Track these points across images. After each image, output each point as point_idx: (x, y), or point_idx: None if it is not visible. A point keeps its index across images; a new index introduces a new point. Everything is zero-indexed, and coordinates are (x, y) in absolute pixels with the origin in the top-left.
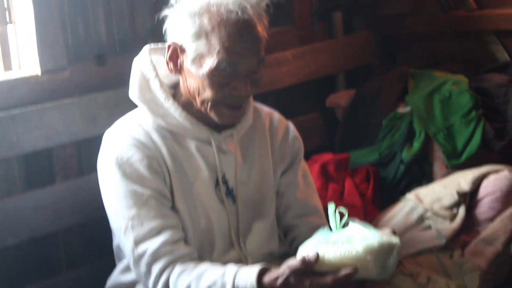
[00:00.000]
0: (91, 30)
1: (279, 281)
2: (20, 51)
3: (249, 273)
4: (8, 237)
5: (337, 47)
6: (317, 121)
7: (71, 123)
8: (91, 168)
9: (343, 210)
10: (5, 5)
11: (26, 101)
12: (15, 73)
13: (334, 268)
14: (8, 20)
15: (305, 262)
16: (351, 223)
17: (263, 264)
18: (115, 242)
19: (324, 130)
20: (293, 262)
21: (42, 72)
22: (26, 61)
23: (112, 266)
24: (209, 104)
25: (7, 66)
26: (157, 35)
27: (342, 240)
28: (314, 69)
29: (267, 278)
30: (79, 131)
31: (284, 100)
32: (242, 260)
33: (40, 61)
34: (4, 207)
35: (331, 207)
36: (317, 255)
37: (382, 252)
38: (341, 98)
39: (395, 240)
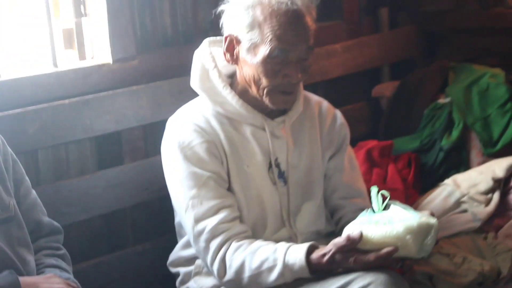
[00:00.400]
0: (157, 23)
1: (326, 258)
2: (93, 42)
3: (299, 250)
4: (81, 212)
5: (383, 41)
6: (363, 110)
7: (139, 108)
8: (156, 150)
9: (385, 193)
10: None
11: (99, 88)
12: (88, 62)
13: (377, 246)
14: (83, 13)
15: (349, 239)
16: (392, 205)
17: (312, 242)
18: (177, 219)
19: (370, 119)
20: (338, 240)
21: (113, 61)
22: (98, 51)
23: (173, 241)
24: (265, 90)
25: (82, 56)
26: (217, 28)
27: (384, 220)
28: (361, 61)
29: (315, 255)
30: (146, 115)
31: (333, 90)
32: (292, 237)
33: (112, 51)
34: (77, 186)
35: (374, 190)
36: (361, 233)
37: (421, 232)
38: (386, 89)
39: (433, 221)
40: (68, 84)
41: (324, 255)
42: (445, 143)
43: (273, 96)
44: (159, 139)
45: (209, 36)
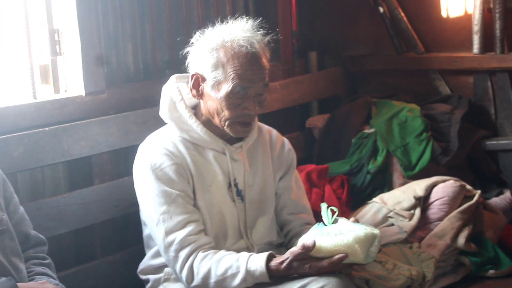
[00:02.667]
0: (121, 61)
1: (284, 264)
2: (66, 77)
3: (259, 258)
4: (60, 227)
5: (313, 80)
6: (299, 138)
7: (109, 135)
8: (124, 172)
9: (334, 208)
10: (56, 39)
11: (73, 117)
12: (63, 94)
13: (329, 254)
14: (58, 52)
15: (304, 247)
16: (340, 219)
17: (270, 252)
18: (146, 232)
19: (304, 146)
20: (294, 249)
21: (86, 94)
22: (71, 85)
23: (141, 252)
24: (227, 122)
25: (56, 89)
26: (173, 67)
27: (335, 231)
28: (296, 96)
29: (274, 263)
30: (115, 142)
31: (273, 121)
32: (249, 248)
33: (85, 85)
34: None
35: (324, 206)
36: (314, 242)
37: (367, 241)
38: (317, 121)
39: (376, 231)
40: (46, 113)
41: (282, 262)
42: (371, 167)
43: (233, 126)
44: (126, 162)
45: (166, 73)
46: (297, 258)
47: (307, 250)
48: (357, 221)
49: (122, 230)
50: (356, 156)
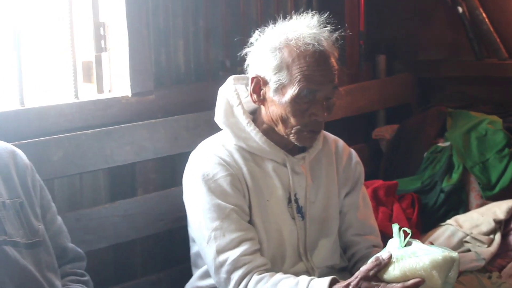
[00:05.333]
0: (171, 60)
1: (352, 284)
2: (111, 76)
3: (321, 283)
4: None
5: (381, 86)
6: (364, 151)
7: (157, 141)
8: (171, 182)
9: (407, 230)
10: (101, 33)
11: (117, 120)
12: (108, 94)
13: (402, 279)
14: (103, 47)
15: (378, 259)
16: (414, 242)
17: (334, 276)
18: (194, 249)
19: (370, 160)
20: (365, 266)
21: (132, 95)
22: (116, 85)
23: (187, 272)
24: (293, 130)
25: (100, 89)
26: (228, 68)
27: (408, 254)
28: (362, 104)
29: (338, 286)
30: (163, 148)
31: (336, 131)
32: (309, 271)
33: (131, 85)
34: (97, 215)
35: (395, 227)
36: (390, 254)
37: (445, 265)
38: (385, 132)
39: (455, 254)
40: (88, 115)
41: (348, 285)
42: (446, 185)
43: (300, 134)
44: (174, 171)
45: (220, 75)
46: (368, 275)
47: (381, 265)
48: (432, 244)
49: (167, 247)
50: (428, 172)
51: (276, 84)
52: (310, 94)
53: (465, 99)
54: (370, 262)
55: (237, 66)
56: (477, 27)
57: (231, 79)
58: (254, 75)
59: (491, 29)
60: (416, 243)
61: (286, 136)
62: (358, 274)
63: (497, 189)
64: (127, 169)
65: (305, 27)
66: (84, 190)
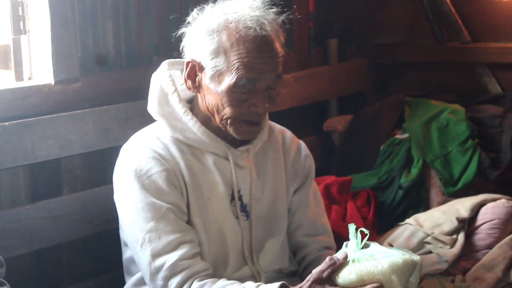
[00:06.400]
0: (99, 44)
1: None
2: (32, 62)
3: None
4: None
5: (333, 73)
6: (314, 144)
7: (84, 134)
8: (101, 180)
9: (365, 230)
10: (20, 13)
11: (39, 111)
12: (27, 82)
13: (359, 285)
14: (22, 30)
15: (332, 259)
16: (372, 244)
17: (283, 282)
18: (126, 255)
19: (321, 154)
20: (318, 267)
21: (55, 82)
22: (37, 72)
23: (119, 280)
24: (229, 121)
25: (18, 77)
26: (162, 52)
27: (365, 257)
28: (312, 93)
29: None
30: (91, 142)
31: (283, 122)
32: (255, 276)
33: (54, 71)
34: (16, 217)
35: (352, 227)
36: (346, 254)
37: (406, 269)
38: (338, 123)
39: (416, 258)
40: (5, 105)
41: None
42: (404, 180)
43: (237, 126)
44: (103, 168)
45: (153, 60)
46: (321, 277)
47: (335, 265)
48: (391, 246)
49: (96, 252)
50: (385, 167)
51: (213, 70)
52: (249, 84)
53: (425, 87)
54: (324, 263)
55: (173, 50)
56: (437, 7)
57: (165, 64)
58: (189, 59)
59: (452, 10)
60: (374, 245)
61: (223, 128)
62: (310, 277)
63: (460, 184)
64: (50, 166)
65: (247, 9)
66: (2, 190)
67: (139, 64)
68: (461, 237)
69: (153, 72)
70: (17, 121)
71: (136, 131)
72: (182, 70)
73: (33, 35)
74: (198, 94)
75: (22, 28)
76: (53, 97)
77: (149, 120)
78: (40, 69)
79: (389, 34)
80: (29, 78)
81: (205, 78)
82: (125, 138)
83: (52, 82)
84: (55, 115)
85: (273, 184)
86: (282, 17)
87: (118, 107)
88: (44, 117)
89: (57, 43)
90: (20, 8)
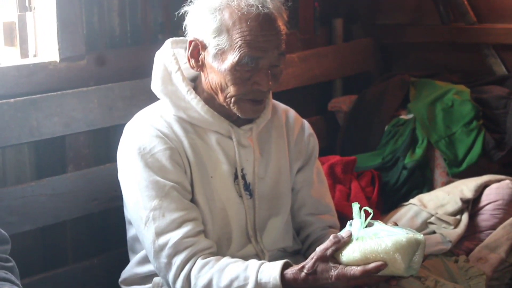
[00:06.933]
0: (105, 22)
1: (305, 271)
2: (37, 39)
3: (273, 267)
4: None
5: (338, 53)
6: (319, 124)
7: (89, 111)
8: (106, 158)
9: (368, 209)
10: None
11: (44, 88)
12: (32, 59)
13: (362, 263)
14: (27, 6)
15: (336, 237)
16: (375, 223)
17: (286, 260)
18: (131, 233)
19: (326, 134)
20: (322, 245)
21: (61, 60)
22: (42, 49)
23: (124, 257)
24: (232, 99)
25: (24, 54)
26: (167, 30)
27: (369, 235)
28: (318, 72)
29: (290, 271)
30: (95, 120)
31: (287, 102)
32: (259, 254)
33: (59, 49)
34: (21, 193)
35: (355, 206)
36: (350, 232)
37: (410, 248)
38: (343, 103)
39: (420, 237)
40: (11, 82)
41: (302, 267)
42: (409, 161)
43: (241, 104)
44: (108, 146)
45: (159, 38)
46: (325, 255)
47: (340, 243)
48: (396, 225)
49: (100, 230)
50: (389, 148)
51: (215, 49)
52: (252, 62)
53: (430, 67)
54: (328, 241)
55: (179, 28)
56: None
57: (168, 42)
58: (192, 38)
59: None
60: (379, 224)
61: (226, 107)
62: (314, 255)
63: (464, 165)
64: (55, 143)
65: None
66: (7, 166)
67: (144, 42)
68: (465, 217)
69: (158, 50)
70: (23, 98)
71: (140, 109)
72: (185, 49)
73: (39, 12)
74: (202, 73)
75: (27, 5)
76: (58, 75)
77: (153, 98)
78: (45, 46)
79: (394, 14)
80: (34, 55)
81: (208, 56)
82: (129, 116)
83: (58, 60)
84: (60, 93)
85: (277, 163)
86: None
87: (123, 85)
88: (49, 94)
89: (62, 21)
90: None
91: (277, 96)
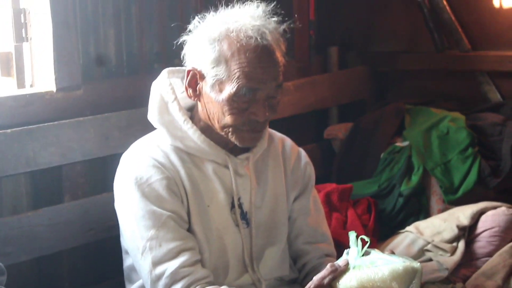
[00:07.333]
0: (101, 51)
1: None
2: (34, 69)
3: None
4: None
5: (334, 80)
6: (315, 152)
7: (85, 141)
8: (102, 187)
9: (365, 238)
10: (22, 21)
11: (41, 118)
12: (29, 89)
13: None
14: (24, 37)
15: (333, 265)
16: (372, 252)
17: None
18: (127, 263)
19: (321, 161)
20: (319, 274)
21: (57, 90)
22: (39, 79)
23: (119, 287)
24: (230, 129)
25: (20, 84)
26: (163, 60)
27: (366, 264)
28: (313, 100)
29: None
30: (92, 149)
31: (283, 130)
32: (255, 284)
33: (56, 79)
34: (18, 224)
35: (352, 234)
36: (347, 261)
37: (407, 276)
38: (338, 130)
39: (417, 265)
40: (7, 112)
41: None
42: (405, 188)
43: (239, 134)
44: (105, 175)
45: (155, 68)
46: (322, 284)
47: (336, 272)
48: (393, 253)
49: (97, 259)
50: (385, 175)
51: (213, 79)
52: (249, 93)
53: (425, 95)
54: (325, 269)
55: (174, 57)
56: (437, 16)
57: (165, 72)
58: (190, 68)
59: (453, 18)
60: (375, 252)
61: (225, 136)
62: (311, 283)
63: (460, 192)
64: (52, 173)
65: (248, 18)
66: (3, 197)
67: (141, 72)
68: (461, 244)
69: (154, 80)
70: (19, 128)
71: (137, 139)
72: (182, 78)
73: (35, 42)
74: (199, 102)
75: (24, 35)
76: (55, 104)
77: (150, 127)
78: (42, 76)
79: (389, 42)
80: (31, 85)
81: (205, 86)
82: (126, 146)
83: (54, 89)
84: (57, 123)
85: (273, 192)
86: (283, 26)
87: (119, 115)
88: (45, 124)
89: (59, 51)
90: (22, 15)
91: (273, 124)
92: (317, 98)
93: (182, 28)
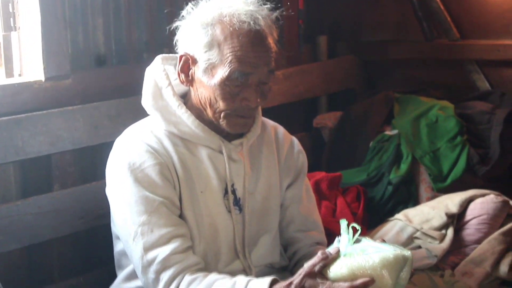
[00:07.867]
0: (90, 41)
1: (295, 283)
2: (22, 58)
3: (260, 283)
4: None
5: (323, 69)
6: (304, 141)
7: (75, 130)
8: (92, 176)
9: (356, 226)
10: (10, 10)
11: (29, 107)
12: (18, 79)
13: (350, 279)
14: (12, 26)
15: (324, 253)
16: (363, 239)
17: (274, 276)
18: (118, 248)
19: (311, 150)
20: (310, 261)
21: (46, 79)
22: (28, 68)
23: (109, 275)
24: (222, 114)
25: (9, 73)
26: (153, 49)
27: (357, 252)
28: (302, 89)
29: (279, 286)
30: (81, 139)
31: (272, 119)
32: (246, 271)
33: (45, 68)
34: (6, 212)
35: (343, 222)
36: (338, 249)
37: (397, 264)
38: (328, 119)
39: (407, 253)
40: None
41: (290, 284)
42: (394, 176)
43: (230, 119)
44: (94, 164)
45: (143, 57)
46: (313, 271)
47: (327, 259)
48: (383, 241)
49: (87, 247)
50: (374, 163)
51: (206, 63)
52: (242, 77)
53: (414, 84)
54: (316, 257)
55: (164, 46)
56: (426, 5)
57: (159, 58)
58: (183, 53)
59: (441, 7)
60: (366, 240)
61: (215, 122)
62: (302, 271)
63: (449, 180)
64: (41, 162)
65: (241, 3)
66: None
67: (130, 61)
68: (450, 232)
69: (143, 69)
70: (8, 117)
71: (126, 128)
72: (175, 66)
73: (24, 31)
74: (191, 88)
75: (12, 24)
76: (44, 94)
77: (139, 116)
78: (30, 66)
79: (378, 32)
80: (20, 75)
81: (198, 71)
82: (115, 135)
83: (43, 79)
84: (46, 112)
85: (267, 179)
86: (276, 13)
87: (108, 104)
88: (34, 113)
89: (47, 40)
90: (10, 4)
91: (263, 113)
92: (306, 87)
93: (172, 17)
